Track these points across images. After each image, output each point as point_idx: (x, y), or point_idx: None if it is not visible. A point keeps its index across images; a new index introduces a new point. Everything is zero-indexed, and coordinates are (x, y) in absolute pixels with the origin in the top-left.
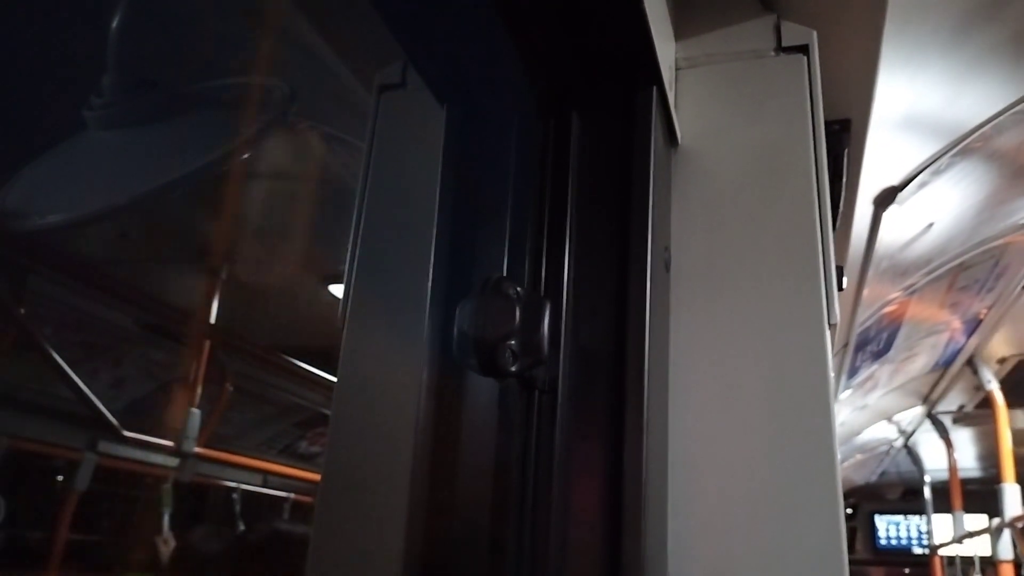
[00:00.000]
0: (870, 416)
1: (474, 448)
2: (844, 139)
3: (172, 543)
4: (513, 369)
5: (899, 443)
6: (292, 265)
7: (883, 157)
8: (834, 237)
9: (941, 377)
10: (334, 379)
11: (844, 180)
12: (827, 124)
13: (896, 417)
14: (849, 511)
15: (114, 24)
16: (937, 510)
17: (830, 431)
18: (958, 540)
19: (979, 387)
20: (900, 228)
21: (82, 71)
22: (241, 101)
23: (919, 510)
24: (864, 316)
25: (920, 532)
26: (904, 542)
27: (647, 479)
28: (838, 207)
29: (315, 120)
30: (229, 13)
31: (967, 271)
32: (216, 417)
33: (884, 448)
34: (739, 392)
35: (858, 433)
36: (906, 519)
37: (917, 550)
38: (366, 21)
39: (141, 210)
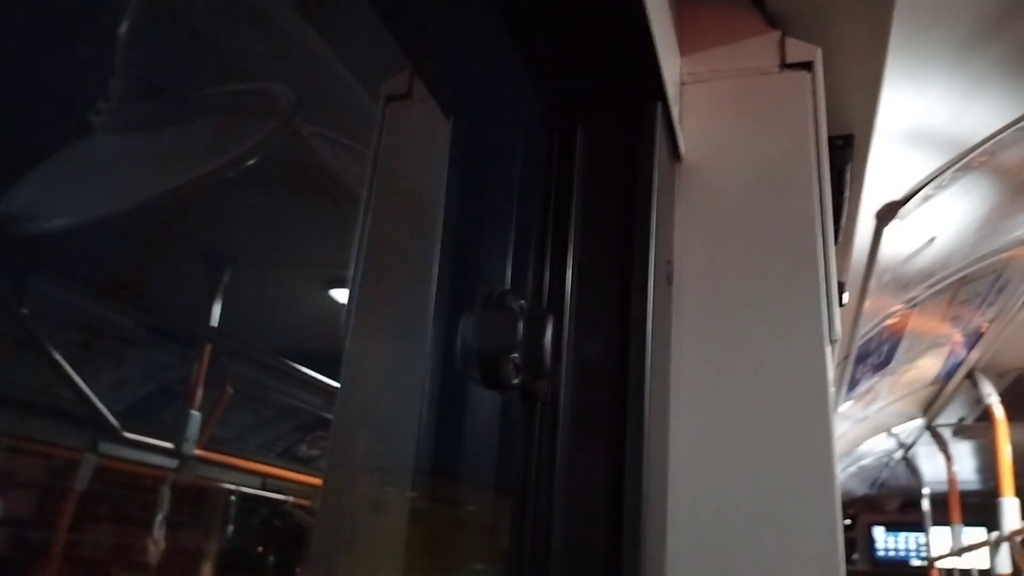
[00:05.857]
0: (869, 428)
1: (475, 459)
2: (847, 154)
3: (163, 544)
4: (515, 382)
5: (898, 455)
6: (294, 269)
7: (886, 172)
8: (836, 251)
9: (941, 390)
10: (334, 383)
11: (846, 195)
12: (830, 139)
13: (896, 429)
14: (848, 522)
15: (122, 29)
16: (936, 522)
17: (829, 445)
18: (956, 553)
19: (979, 400)
20: (902, 242)
21: (89, 76)
22: (248, 107)
23: (918, 522)
24: (865, 329)
25: (918, 544)
26: (902, 554)
27: (647, 491)
28: (840, 222)
29: (321, 126)
30: (237, 19)
31: (969, 285)
32: (216, 419)
33: (883, 460)
34: (740, 406)
35: (858, 444)
36: (904, 532)
37: (915, 562)
38: (373, 31)
39: (146, 214)
